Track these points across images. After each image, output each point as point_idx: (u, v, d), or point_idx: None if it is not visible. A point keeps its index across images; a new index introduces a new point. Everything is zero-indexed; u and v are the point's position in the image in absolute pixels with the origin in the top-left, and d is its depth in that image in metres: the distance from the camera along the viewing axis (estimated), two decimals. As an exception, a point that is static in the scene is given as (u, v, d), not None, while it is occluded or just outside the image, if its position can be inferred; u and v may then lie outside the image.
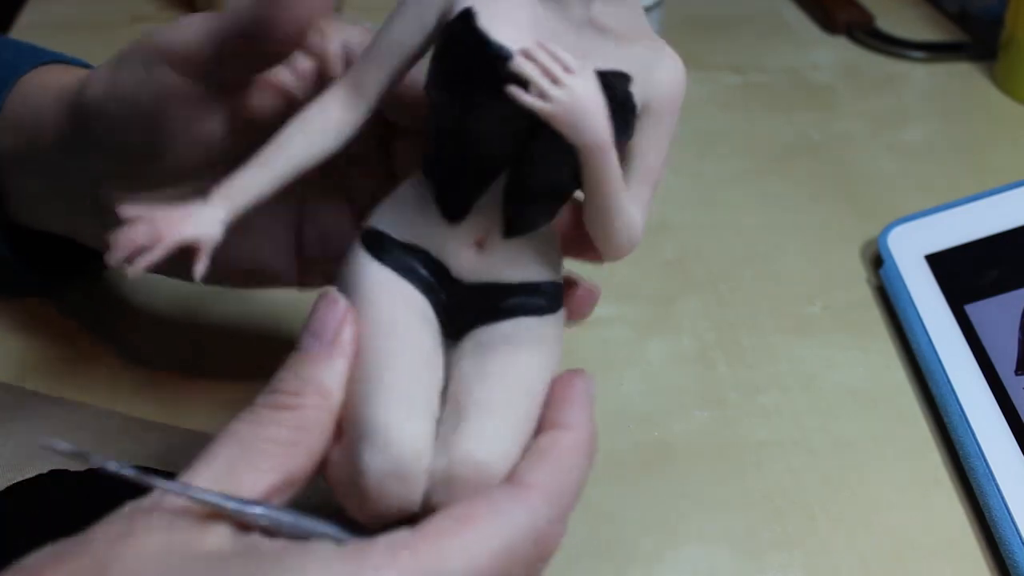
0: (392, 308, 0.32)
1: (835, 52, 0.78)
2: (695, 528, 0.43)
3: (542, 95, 0.29)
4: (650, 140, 0.34)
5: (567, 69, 0.29)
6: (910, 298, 0.52)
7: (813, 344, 0.52)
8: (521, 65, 0.29)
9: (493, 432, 0.31)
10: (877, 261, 0.56)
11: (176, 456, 0.42)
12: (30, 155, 0.43)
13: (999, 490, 0.43)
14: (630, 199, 0.33)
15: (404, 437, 0.30)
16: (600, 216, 0.33)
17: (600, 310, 0.54)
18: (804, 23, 0.82)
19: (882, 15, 0.80)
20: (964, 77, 0.75)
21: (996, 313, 0.49)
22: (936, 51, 0.77)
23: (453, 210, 0.33)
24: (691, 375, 0.50)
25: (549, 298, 0.34)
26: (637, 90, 0.32)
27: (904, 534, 0.43)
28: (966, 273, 0.52)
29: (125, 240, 0.30)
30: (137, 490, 0.29)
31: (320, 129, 0.33)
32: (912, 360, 0.50)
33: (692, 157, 0.66)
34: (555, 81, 0.29)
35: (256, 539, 0.29)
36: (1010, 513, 0.42)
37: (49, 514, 0.39)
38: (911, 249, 0.54)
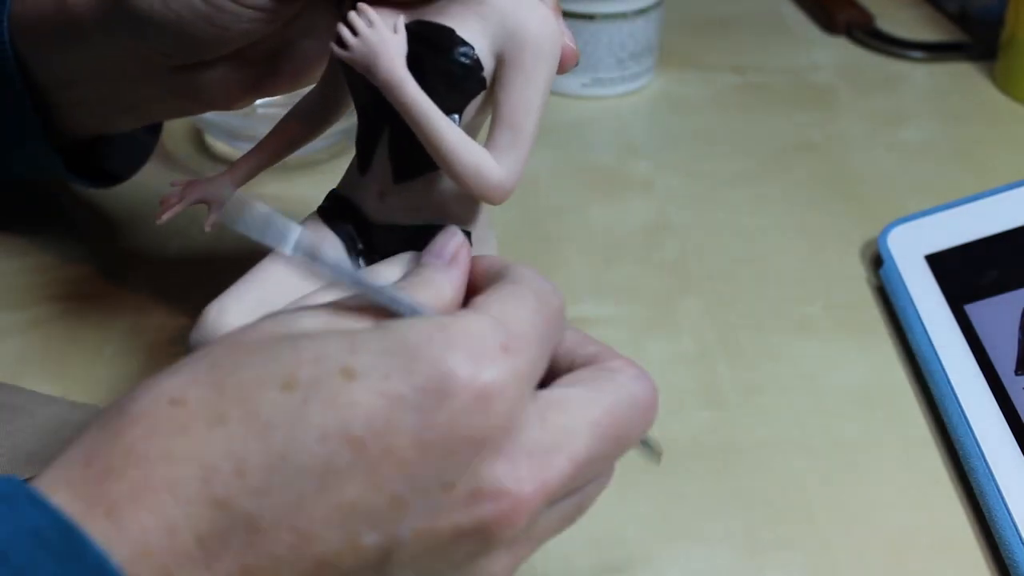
0: None
1: (835, 52, 0.78)
2: (695, 528, 0.43)
3: (343, 44, 0.36)
4: (507, 87, 0.37)
5: (370, 23, 0.36)
6: (910, 298, 0.52)
7: (813, 344, 0.52)
8: (339, 25, 0.36)
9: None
10: (877, 261, 0.56)
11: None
12: (63, 46, 0.46)
13: (999, 490, 0.42)
14: (491, 145, 0.37)
15: (208, 321, 0.38)
16: (432, 153, 0.37)
17: (600, 310, 0.54)
18: (804, 23, 0.82)
19: (882, 15, 0.80)
20: (964, 77, 0.75)
21: (996, 313, 0.49)
22: (936, 51, 0.77)
23: (361, 163, 0.40)
24: (691, 375, 0.50)
25: None
26: (486, 42, 0.37)
27: (904, 534, 0.43)
28: (966, 273, 0.52)
29: (165, 197, 0.44)
30: None
31: (307, 117, 0.43)
32: (912, 360, 0.50)
33: (692, 157, 0.66)
34: (355, 32, 0.36)
35: (346, 320, 0.31)
36: (1010, 513, 0.42)
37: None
38: (911, 249, 0.54)
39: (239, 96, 0.45)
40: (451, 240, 0.35)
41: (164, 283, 0.53)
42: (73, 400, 0.46)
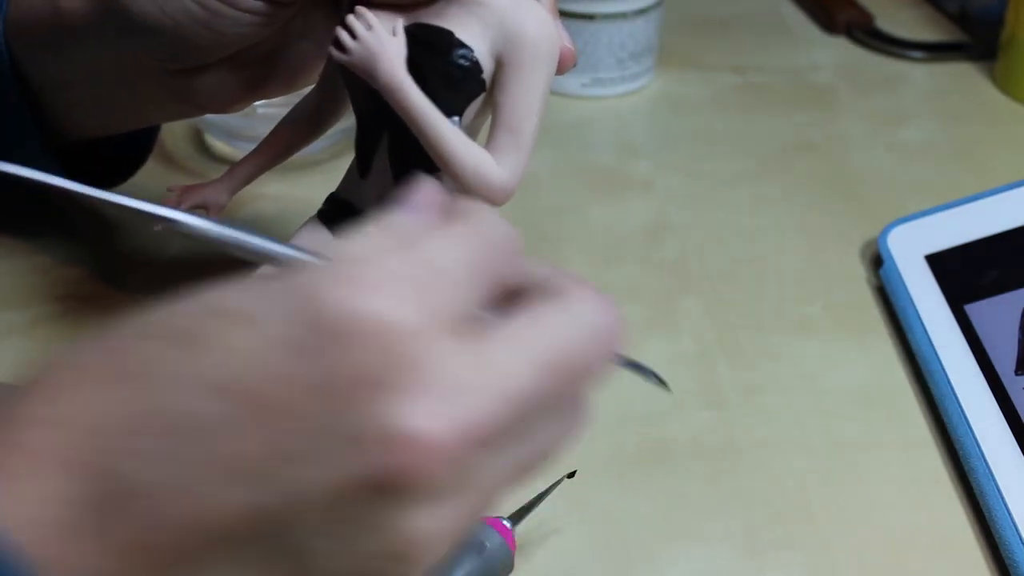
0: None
1: (835, 52, 0.78)
2: (695, 528, 0.43)
3: (341, 48, 0.36)
4: (506, 89, 0.37)
5: (369, 26, 0.36)
6: (910, 298, 0.52)
7: (813, 344, 0.52)
8: (338, 28, 0.36)
9: None
10: (877, 261, 0.56)
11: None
12: (58, 49, 0.46)
13: (999, 490, 0.42)
14: (492, 147, 0.37)
15: None
16: (433, 156, 0.37)
17: (600, 310, 0.54)
18: (804, 23, 0.82)
19: (882, 15, 0.80)
20: (964, 77, 0.75)
21: (996, 313, 0.49)
22: (936, 51, 0.77)
23: (361, 167, 0.41)
24: (691, 375, 0.50)
25: None
26: (485, 44, 0.37)
27: (904, 534, 0.43)
28: (966, 273, 0.52)
29: (163, 202, 0.42)
30: None
31: (304, 121, 0.44)
32: (912, 360, 0.50)
33: (692, 157, 0.66)
34: (354, 36, 0.36)
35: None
36: (1010, 513, 0.42)
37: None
38: (911, 249, 0.54)
39: (237, 99, 0.45)
40: (421, 188, 0.30)
41: (163, 285, 0.53)
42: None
